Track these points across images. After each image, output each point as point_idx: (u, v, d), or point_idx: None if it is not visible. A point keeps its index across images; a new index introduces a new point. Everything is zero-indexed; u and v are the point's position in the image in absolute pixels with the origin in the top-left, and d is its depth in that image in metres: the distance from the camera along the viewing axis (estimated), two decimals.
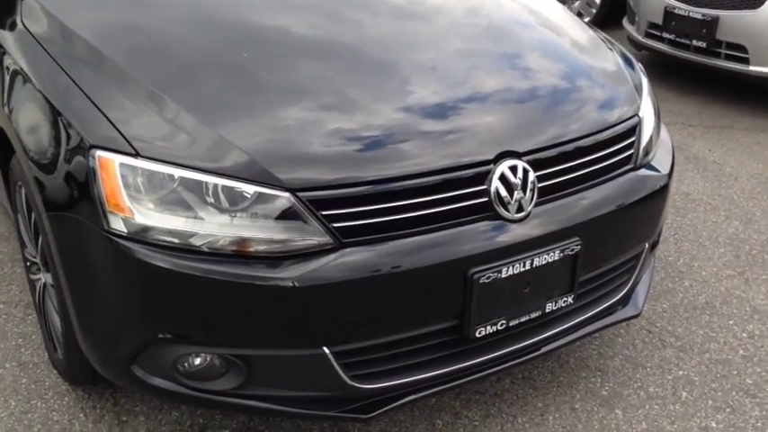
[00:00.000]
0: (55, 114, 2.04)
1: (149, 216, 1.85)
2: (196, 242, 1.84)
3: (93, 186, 1.89)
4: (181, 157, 1.87)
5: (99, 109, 1.97)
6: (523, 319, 2.13)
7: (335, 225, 1.87)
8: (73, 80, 2.07)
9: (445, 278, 1.97)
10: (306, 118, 1.99)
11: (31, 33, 2.32)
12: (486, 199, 2.01)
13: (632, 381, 2.60)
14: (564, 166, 2.15)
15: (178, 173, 1.85)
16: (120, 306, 1.94)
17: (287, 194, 1.85)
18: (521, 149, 2.08)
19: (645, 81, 2.62)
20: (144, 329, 1.93)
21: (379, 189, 1.91)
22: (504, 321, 2.08)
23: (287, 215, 1.85)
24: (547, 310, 2.16)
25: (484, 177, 2.02)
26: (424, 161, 1.97)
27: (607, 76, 2.49)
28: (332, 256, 1.87)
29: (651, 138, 2.44)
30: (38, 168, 2.07)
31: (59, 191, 1.99)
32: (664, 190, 2.39)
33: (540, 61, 2.44)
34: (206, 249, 1.85)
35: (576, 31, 2.75)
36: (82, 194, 1.92)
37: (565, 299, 2.18)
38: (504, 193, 2.02)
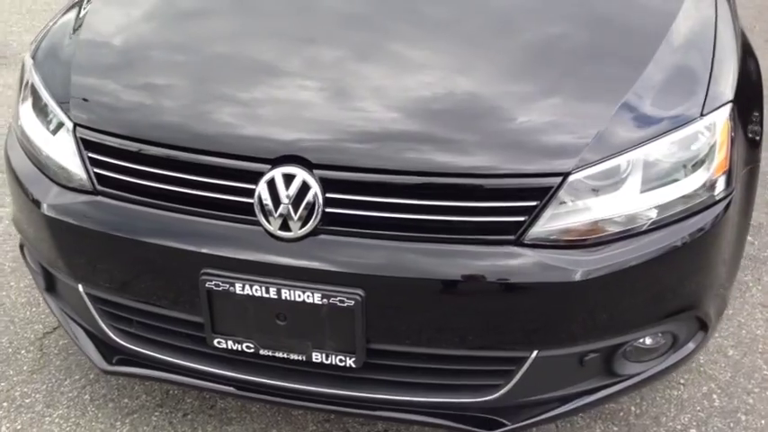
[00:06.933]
0: None
1: (24, 122, 2.09)
2: (38, 155, 2.02)
3: None
4: (45, 75, 2.07)
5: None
6: (279, 355, 1.80)
7: (96, 170, 1.86)
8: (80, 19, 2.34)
9: (180, 267, 1.80)
10: (139, 71, 1.99)
11: None
12: (251, 201, 1.73)
13: None
14: (373, 200, 1.69)
15: (39, 89, 2.05)
16: None
17: (70, 126, 1.90)
18: (313, 159, 1.70)
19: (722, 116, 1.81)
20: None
21: (139, 149, 1.82)
22: (251, 345, 1.80)
23: (67, 146, 1.91)
24: (314, 360, 1.78)
25: (258, 177, 1.73)
26: (197, 138, 1.80)
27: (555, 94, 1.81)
28: (82, 198, 1.88)
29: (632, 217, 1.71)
30: None
31: None
32: (564, 289, 1.67)
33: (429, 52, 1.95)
34: (42, 161, 2.01)
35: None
36: None
37: (341, 358, 1.76)
38: (267, 201, 1.71)
